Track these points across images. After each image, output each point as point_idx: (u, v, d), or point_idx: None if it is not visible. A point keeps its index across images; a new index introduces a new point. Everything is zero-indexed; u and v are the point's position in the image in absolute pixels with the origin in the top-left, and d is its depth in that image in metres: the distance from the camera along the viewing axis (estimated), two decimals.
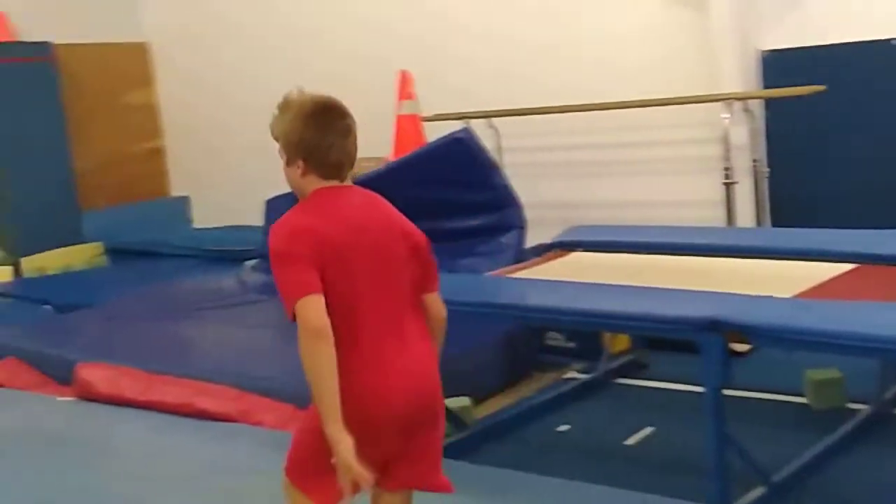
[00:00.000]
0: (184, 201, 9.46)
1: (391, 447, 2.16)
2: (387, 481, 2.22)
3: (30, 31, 8.60)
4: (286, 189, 6.42)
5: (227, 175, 8.97)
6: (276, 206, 6.57)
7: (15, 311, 6.67)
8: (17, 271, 8.02)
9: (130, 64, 9.37)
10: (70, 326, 5.57)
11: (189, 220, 9.35)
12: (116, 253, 8.50)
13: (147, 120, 9.40)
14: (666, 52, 6.33)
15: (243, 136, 8.80)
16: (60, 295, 6.95)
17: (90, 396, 4.50)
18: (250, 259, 7.10)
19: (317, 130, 2.19)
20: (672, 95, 5.92)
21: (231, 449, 3.85)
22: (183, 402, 4.20)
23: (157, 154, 9.59)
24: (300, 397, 4.15)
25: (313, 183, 2.22)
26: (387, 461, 2.18)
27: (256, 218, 6.93)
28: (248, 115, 8.74)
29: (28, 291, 7.19)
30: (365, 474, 2.03)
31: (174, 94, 9.43)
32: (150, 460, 3.84)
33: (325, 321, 2.03)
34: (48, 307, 6.75)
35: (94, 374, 4.52)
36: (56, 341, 5.19)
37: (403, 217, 2.29)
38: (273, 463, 3.62)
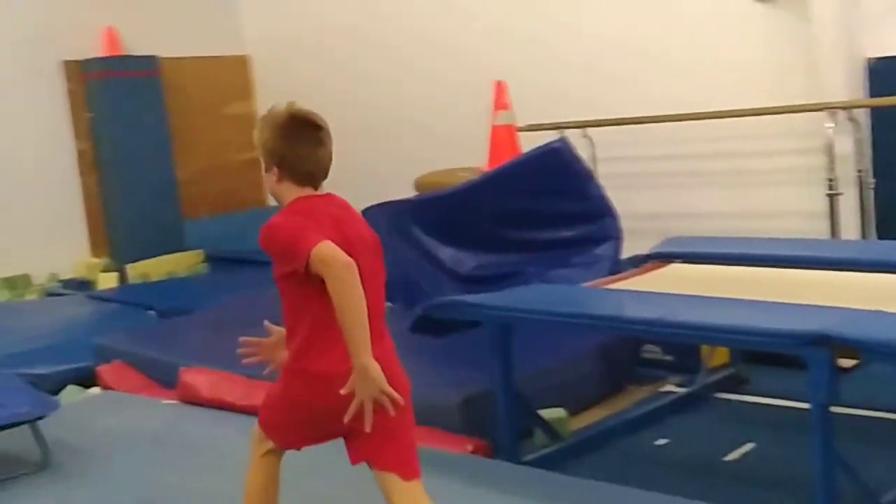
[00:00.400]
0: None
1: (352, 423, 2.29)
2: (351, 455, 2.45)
3: (137, 45, 8.90)
4: (380, 199, 6.50)
5: (322, 186, 9.11)
6: (371, 216, 6.64)
7: (121, 315, 6.90)
8: (122, 278, 8.30)
9: (231, 76, 9.62)
10: (173, 331, 5.72)
11: None
12: (216, 261, 8.72)
13: (246, 131, 9.52)
14: (767, 60, 6.20)
15: (338, 148, 8.84)
16: (163, 301, 7.16)
17: (192, 400, 4.61)
18: None
19: (289, 141, 2.40)
20: (773, 104, 5.80)
21: (324, 453, 3.90)
22: None
23: (256, 165, 9.73)
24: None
25: (290, 189, 2.42)
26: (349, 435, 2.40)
27: None
28: (343, 128, 8.91)
29: (133, 297, 7.42)
30: (395, 395, 2.26)
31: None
32: (245, 462, 3.90)
33: (347, 256, 2.20)
34: (152, 312, 6.95)
35: (197, 379, 4.64)
36: (160, 346, 5.33)
37: (365, 220, 2.51)
38: (364, 467, 3.69)
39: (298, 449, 2.56)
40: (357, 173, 8.75)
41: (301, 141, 2.41)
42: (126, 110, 8.60)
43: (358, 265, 2.25)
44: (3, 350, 5.68)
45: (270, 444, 2.55)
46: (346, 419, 2.26)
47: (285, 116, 2.41)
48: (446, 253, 5.95)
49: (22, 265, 8.35)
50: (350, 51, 8.76)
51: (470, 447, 3.84)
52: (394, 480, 2.41)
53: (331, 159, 2.46)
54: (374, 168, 8.60)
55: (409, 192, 6.93)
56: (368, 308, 2.25)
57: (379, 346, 2.31)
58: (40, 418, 3.99)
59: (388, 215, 6.35)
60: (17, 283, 8.30)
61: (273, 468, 2.58)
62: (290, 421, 2.47)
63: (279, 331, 2.49)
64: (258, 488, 2.58)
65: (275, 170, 2.42)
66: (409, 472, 2.42)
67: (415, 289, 5.96)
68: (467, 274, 5.78)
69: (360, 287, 2.20)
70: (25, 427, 3.97)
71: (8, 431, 3.89)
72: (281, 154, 2.40)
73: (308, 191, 2.43)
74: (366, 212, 6.67)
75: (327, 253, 2.20)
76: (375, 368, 2.22)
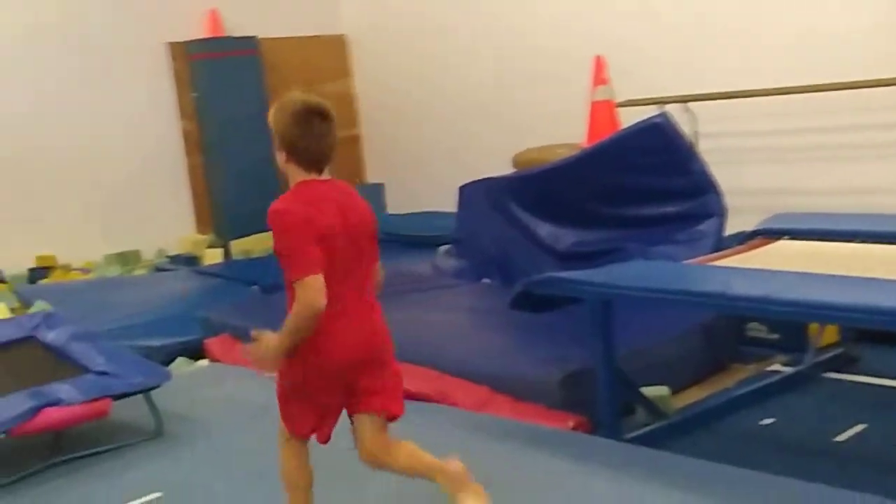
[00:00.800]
0: (379, 188, 9.74)
1: (354, 382, 2.68)
2: (354, 407, 2.74)
3: (237, 26, 9.08)
4: (478, 176, 6.50)
5: (420, 163, 9.18)
6: (468, 193, 6.66)
7: (226, 290, 7.08)
8: (226, 253, 8.51)
9: (329, 56, 9.73)
10: (277, 306, 5.81)
11: (383, 206, 9.62)
12: None
13: (345, 109, 9.73)
14: (878, 30, 5.96)
15: (436, 125, 8.98)
16: (267, 276, 7.29)
17: None
18: (443, 244, 7.22)
19: (298, 128, 2.60)
20: (886, 76, 5.58)
21: (428, 428, 3.93)
22: None
23: (354, 142, 9.92)
24: (495, 378, 4.22)
25: (296, 171, 2.65)
26: (351, 394, 2.71)
27: (448, 204, 7.05)
28: (441, 105, 8.97)
29: (237, 273, 7.61)
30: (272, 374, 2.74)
31: (370, 84, 9.73)
32: (349, 435, 3.97)
33: (324, 302, 2.51)
34: (256, 287, 7.12)
35: None
36: (264, 320, 5.41)
37: (366, 202, 2.76)
38: (467, 442, 3.71)
39: (307, 437, 2.81)
40: (455, 150, 8.79)
41: (310, 130, 2.60)
42: (228, 90, 8.79)
43: (358, 247, 2.64)
44: (118, 323, 5.90)
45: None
46: (245, 354, 2.74)
47: (299, 105, 2.62)
48: (545, 229, 5.92)
49: (133, 241, 8.66)
50: (448, 28, 8.76)
51: (571, 423, 3.84)
52: (380, 422, 2.75)
53: (336, 146, 2.68)
54: (472, 144, 8.61)
55: (507, 169, 6.92)
56: (361, 285, 2.66)
57: (370, 316, 2.69)
58: (154, 388, 4.14)
59: (486, 192, 6.36)
60: (129, 258, 8.60)
61: (301, 452, 2.84)
62: (295, 404, 2.75)
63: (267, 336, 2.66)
64: (291, 470, 2.86)
65: (283, 152, 2.65)
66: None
67: (513, 266, 5.96)
68: (566, 250, 5.74)
69: (312, 321, 2.53)
70: (139, 397, 4.12)
71: (123, 401, 4.05)
72: (291, 140, 2.62)
73: (313, 175, 2.64)
74: (464, 188, 6.74)
75: (308, 294, 2.51)
76: (281, 351, 2.59)
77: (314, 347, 2.59)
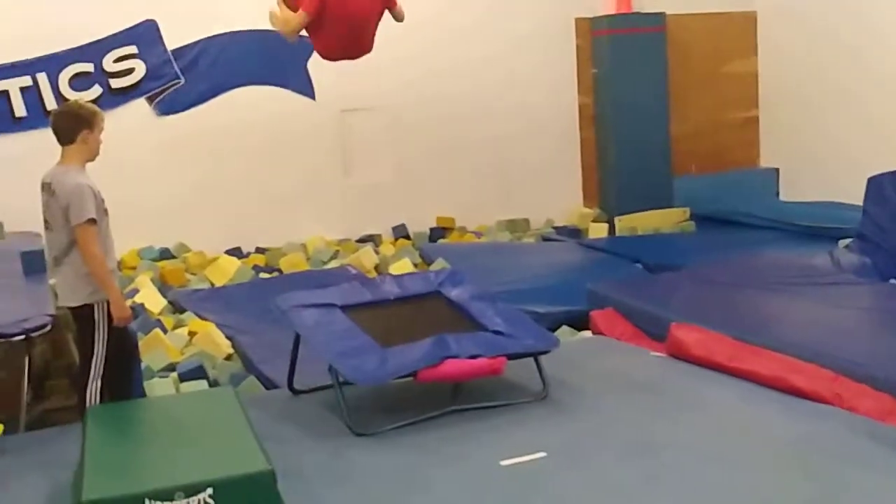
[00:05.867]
0: (772, 173, 9.32)
1: None
2: None
3: (647, 2, 9.07)
4: (890, 168, 5.96)
5: (824, 150, 8.63)
6: (880, 185, 6.19)
7: (609, 265, 7.18)
8: (611, 229, 8.61)
9: (736, 34, 9.43)
10: (664, 286, 5.80)
11: (775, 193, 9.20)
12: (702, 219, 8.69)
13: (745, 89, 9.40)
14: None
15: (846, 111, 8.39)
16: (650, 255, 7.31)
17: (681, 355, 4.66)
18: (845, 238, 6.77)
19: None
20: None
21: (820, 430, 3.73)
22: (776, 376, 4.15)
23: (751, 124, 9.56)
24: None
25: None
26: None
27: (851, 195, 6.59)
28: (852, 91, 8.34)
29: (621, 249, 7.68)
30: None
31: (775, 64, 9.30)
32: (735, 425, 3.87)
33: None
34: (639, 265, 7.14)
35: (688, 336, 4.66)
36: (651, 298, 5.44)
37: None
38: (865, 453, 3.47)
39: None
40: (864, 138, 8.16)
41: None
42: (629, 66, 8.83)
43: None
44: (509, 286, 6.21)
45: None
46: None
47: None
48: None
49: (523, 210, 9.03)
50: (863, 11, 8.12)
51: None
52: None
53: None
54: (884, 133, 7.95)
55: None
56: None
57: None
58: (544, 353, 4.31)
59: None
60: (518, 225, 8.99)
61: None
62: None
63: None
64: None
65: None
66: None
67: None
68: None
69: None
70: (527, 359, 4.30)
71: (512, 361, 4.25)
72: None
73: None
74: (874, 180, 6.27)
75: None
76: None
77: None
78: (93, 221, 3.91)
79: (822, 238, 7.27)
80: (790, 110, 9.12)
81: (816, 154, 8.71)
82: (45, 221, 4.07)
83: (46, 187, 4.02)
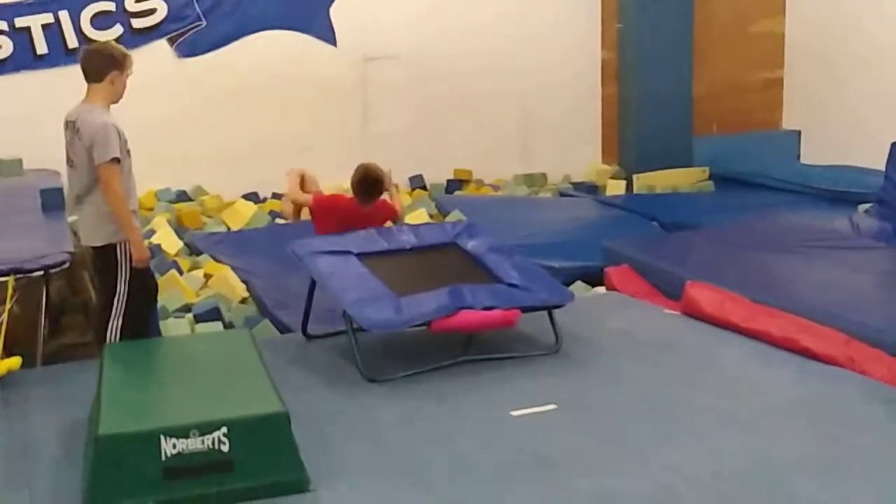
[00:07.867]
0: (794, 135, 9.23)
1: None
2: None
3: None
4: None
5: (847, 113, 8.53)
6: None
7: (625, 222, 7.16)
8: (629, 186, 8.56)
9: None
10: (681, 244, 5.78)
11: (796, 155, 9.12)
12: (721, 180, 8.63)
13: (771, 50, 9.27)
14: None
15: (872, 74, 8.28)
16: (667, 213, 7.28)
17: (694, 314, 4.66)
18: (864, 202, 6.72)
19: None
20: None
21: (831, 393, 3.74)
22: (787, 337, 4.15)
23: (775, 85, 9.44)
24: None
25: None
26: None
27: (872, 160, 6.53)
28: (878, 55, 8.22)
29: (638, 206, 7.64)
30: None
31: (802, 24, 9.15)
32: (745, 385, 3.88)
33: None
34: (655, 223, 7.12)
35: (702, 294, 4.66)
36: (668, 257, 5.43)
37: None
38: (876, 415, 3.47)
39: None
40: (889, 103, 8.05)
41: None
42: (654, 22, 8.70)
43: None
44: (525, 240, 6.19)
45: None
46: None
47: None
48: None
49: (541, 164, 9.00)
50: None
51: None
52: None
53: None
54: None
55: None
56: None
57: None
58: (558, 307, 4.32)
59: None
60: (536, 180, 8.96)
61: None
62: None
63: None
64: None
65: None
66: None
67: None
68: None
69: None
70: (541, 313, 4.31)
71: (526, 314, 4.26)
72: None
73: None
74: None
75: None
76: None
77: None
78: (116, 161, 3.92)
79: (842, 202, 7.22)
80: (815, 72, 8.99)
81: (839, 118, 8.61)
82: (69, 159, 4.08)
83: (71, 125, 4.02)
